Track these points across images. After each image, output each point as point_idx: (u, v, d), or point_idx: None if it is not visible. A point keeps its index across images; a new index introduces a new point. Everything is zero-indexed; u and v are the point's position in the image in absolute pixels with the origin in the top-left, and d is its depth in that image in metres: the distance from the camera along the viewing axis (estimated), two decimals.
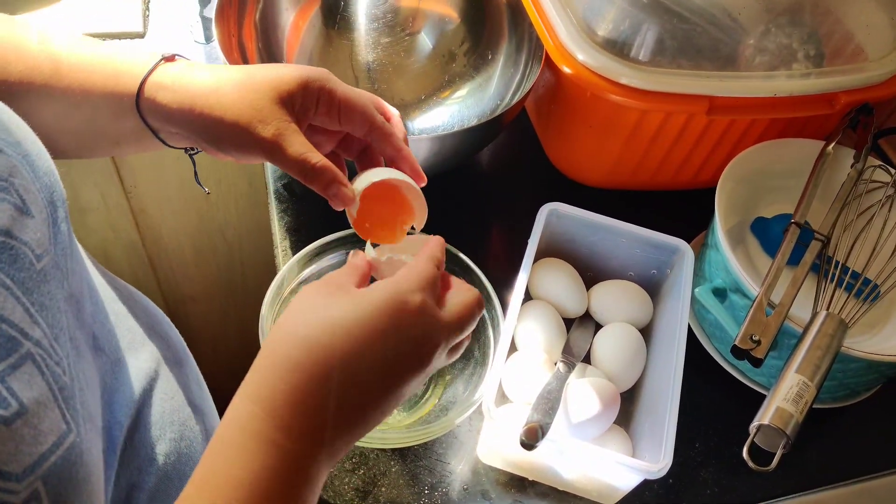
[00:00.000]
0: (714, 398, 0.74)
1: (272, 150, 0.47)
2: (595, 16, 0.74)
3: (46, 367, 0.33)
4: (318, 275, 0.70)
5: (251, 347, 0.56)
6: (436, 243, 0.46)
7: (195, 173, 0.59)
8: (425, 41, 0.90)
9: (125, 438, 0.47)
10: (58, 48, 0.49)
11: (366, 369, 0.39)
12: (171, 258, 1.24)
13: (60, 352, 0.35)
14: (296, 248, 0.79)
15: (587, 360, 0.72)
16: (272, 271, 1.33)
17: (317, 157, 0.48)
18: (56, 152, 0.43)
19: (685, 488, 0.69)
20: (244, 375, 0.40)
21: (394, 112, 0.55)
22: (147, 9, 1.01)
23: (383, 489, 0.65)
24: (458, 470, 0.67)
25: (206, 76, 0.49)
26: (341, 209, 0.50)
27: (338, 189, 0.49)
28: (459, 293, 0.45)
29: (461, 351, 0.46)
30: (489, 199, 0.88)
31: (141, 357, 0.52)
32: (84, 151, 0.54)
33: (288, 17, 0.85)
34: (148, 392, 0.51)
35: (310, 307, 0.41)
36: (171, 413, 0.52)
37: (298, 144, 0.48)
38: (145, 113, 0.49)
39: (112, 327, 0.51)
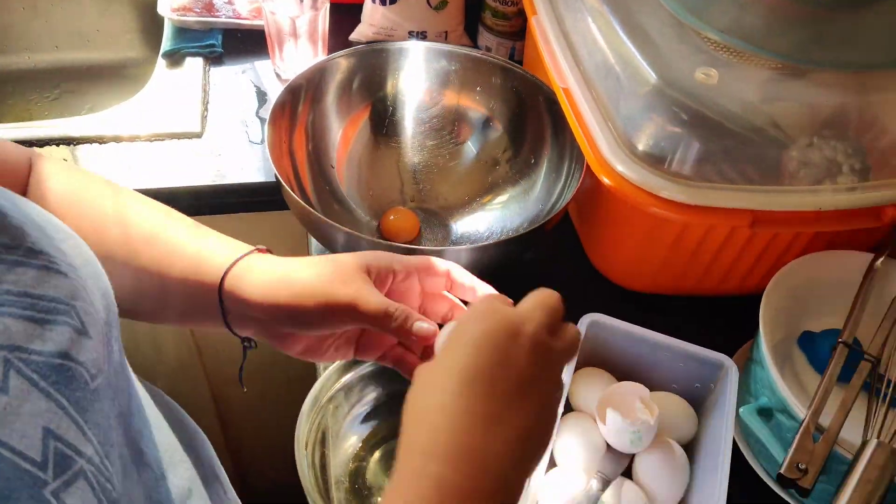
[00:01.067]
0: None
1: (352, 307, 0.51)
2: (634, 130, 0.75)
3: (98, 483, 0.34)
4: (357, 380, 0.71)
5: (271, 443, 0.58)
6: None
7: (242, 367, 0.62)
8: (469, 147, 0.92)
9: None
10: (136, 228, 0.55)
11: (494, 384, 0.41)
12: (217, 339, 1.26)
13: (111, 468, 0.36)
14: None
15: (627, 474, 0.71)
16: (294, 376, 1.34)
17: (396, 305, 0.51)
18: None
19: None
20: (282, 455, 0.41)
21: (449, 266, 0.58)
22: (206, 110, 1.06)
23: None
24: None
25: (294, 262, 0.54)
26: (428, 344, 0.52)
27: (420, 326, 0.52)
28: (569, 326, 0.47)
29: (576, 339, 0.47)
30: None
31: (178, 472, 0.53)
32: (143, 317, 0.59)
33: (339, 126, 0.88)
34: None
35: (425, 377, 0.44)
36: None
37: (376, 297, 0.51)
38: (226, 301, 0.53)
39: (156, 442, 0.52)
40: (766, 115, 0.73)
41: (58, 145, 0.99)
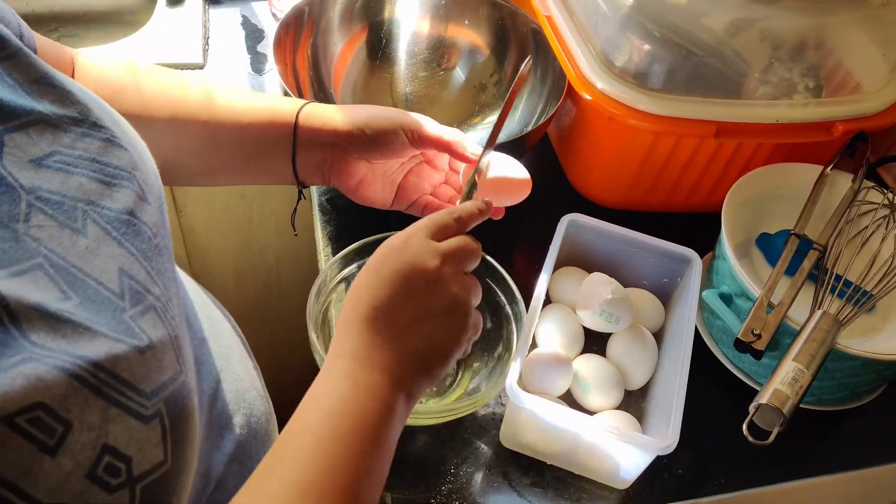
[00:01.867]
0: (720, 399, 0.80)
1: (419, 129, 0.65)
2: (612, 49, 0.82)
3: (165, 318, 0.40)
4: (357, 270, 0.78)
5: (280, 368, 0.65)
6: (468, 204, 0.58)
7: (294, 211, 0.74)
8: (458, 74, 0.99)
9: (210, 406, 0.54)
10: (214, 88, 0.67)
11: (387, 299, 0.50)
12: (214, 277, 1.32)
13: (173, 310, 0.42)
14: (336, 253, 0.86)
15: (603, 353, 0.79)
16: (307, 296, 1.40)
17: (451, 130, 0.66)
18: (176, 177, 0.65)
19: (695, 479, 0.73)
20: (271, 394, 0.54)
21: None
22: (206, 43, 1.12)
23: (408, 468, 0.70)
24: (481, 452, 0.72)
25: (347, 106, 0.69)
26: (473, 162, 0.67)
27: (465, 150, 0.67)
28: (460, 236, 0.55)
29: (478, 296, 0.55)
30: (514, 217, 0.95)
31: (215, 339, 0.59)
32: (217, 172, 0.71)
33: (336, 49, 0.95)
34: (224, 371, 0.57)
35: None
36: (242, 393, 0.59)
37: (435, 124, 0.66)
38: (300, 130, 0.66)
39: (197, 312, 0.58)
40: (731, 35, 0.81)
41: None
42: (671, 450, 0.62)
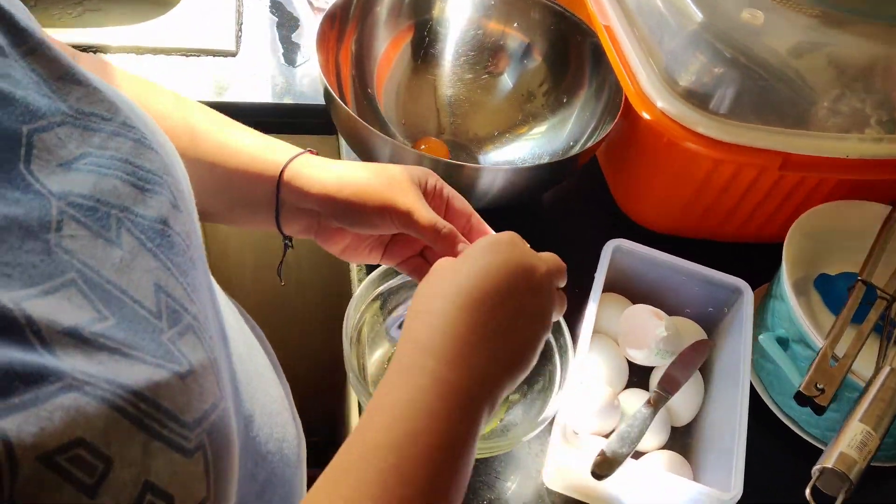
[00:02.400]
0: (767, 446, 0.75)
1: (408, 216, 0.54)
2: (678, 66, 0.77)
3: (203, 339, 0.36)
4: (399, 286, 0.73)
5: (293, 364, 0.61)
6: None
7: (281, 262, 0.66)
8: (506, 79, 0.94)
9: (244, 430, 0.50)
10: (196, 122, 0.59)
11: (489, 296, 0.46)
12: (232, 270, 1.28)
13: (211, 329, 0.38)
14: (372, 267, 0.82)
15: (645, 387, 0.75)
16: (326, 293, 1.37)
17: (444, 223, 0.55)
18: None
19: None
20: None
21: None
22: (240, 30, 1.07)
23: None
24: (516, 489, 0.68)
25: (346, 164, 0.58)
26: None
27: (463, 248, 0.56)
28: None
29: (564, 306, 0.52)
30: (554, 237, 0.91)
31: (249, 356, 0.55)
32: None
33: (381, 47, 0.90)
34: (258, 391, 0.53)
35: (430, 283, 0.49)
36: (274, 416, 0.54)
37: (429, 212, 0.55)
38: (283, 190, 0.57)
39: (229, 322, 0.54)
40: (803, 62, 0.76)
41: (95, 52, 1.00)
42: (735, 501, 0.59)
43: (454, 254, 0.55)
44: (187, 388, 0.32)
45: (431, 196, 0.58)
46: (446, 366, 0.43)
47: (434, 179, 0.58)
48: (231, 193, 0.59)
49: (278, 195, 0.57)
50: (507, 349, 0.46)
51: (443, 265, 0.49)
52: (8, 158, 0.33)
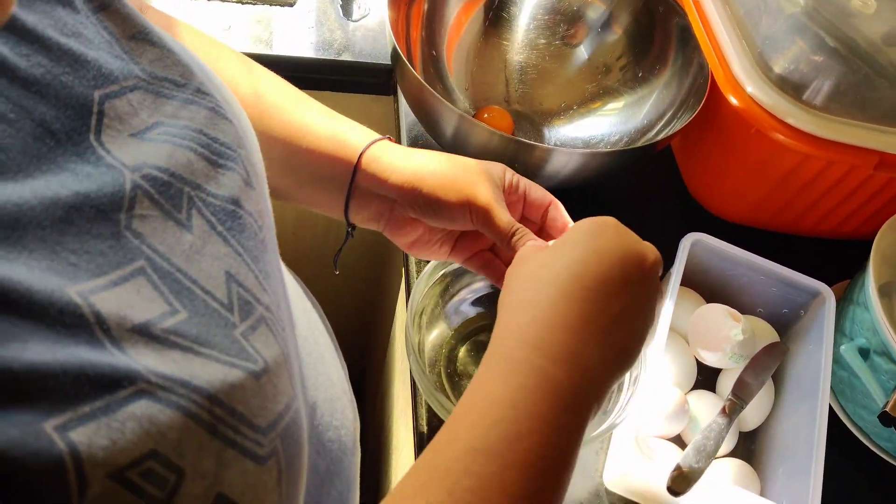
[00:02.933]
0: (833, 455, 0.72)
1: (487, 214, 0.51)
2: (773, 52, 0.72)
3: (276, 332, 0.33)
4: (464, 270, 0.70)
5: (329, 317, 0.59)
6: None
7: (339, 251, 0.63)
8: (581, 51, 0.89)
9: (308, 423, 0.47)
10: (267, 94, 0.55)
11: (600, 285, 0.42)
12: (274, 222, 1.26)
13: (284, 319, 0.35)
14: None
15: (712, 389, 0.72)
16: (364, 250, 1.34)
17: (520, 227, 0.51)
18: None
19: None
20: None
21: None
22: None
23: None
24: (573, 487, 0.66)
25: (424, 153, 0.55)
26: None
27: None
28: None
29: (665, 298, 0.51)
30: (621, 220, 0.87)
31: (313, 338, 0.53)
32: None
33: (453, 10, 0.85)
34: (320, 375, 0.51)
35: (527, 266, 0.45)
36: (334, 400, 0.52)
37: (506, 213, 0.52)
38: (359, 175, 0.54)
39: (293, 304, 0.51)
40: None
41: None
42: None
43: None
44: (262, 390, 0.30)
45: (509, 192, 0.55)
46: (553, 362, 0.39)
47: (511, 175, 0.55)
48: (301, 173, 0.56)
49: (353, 179, 0.55)
50: (617, 343, 0.42)
51: (533, 251, 0.46)
52: (77, 129, 0.30)
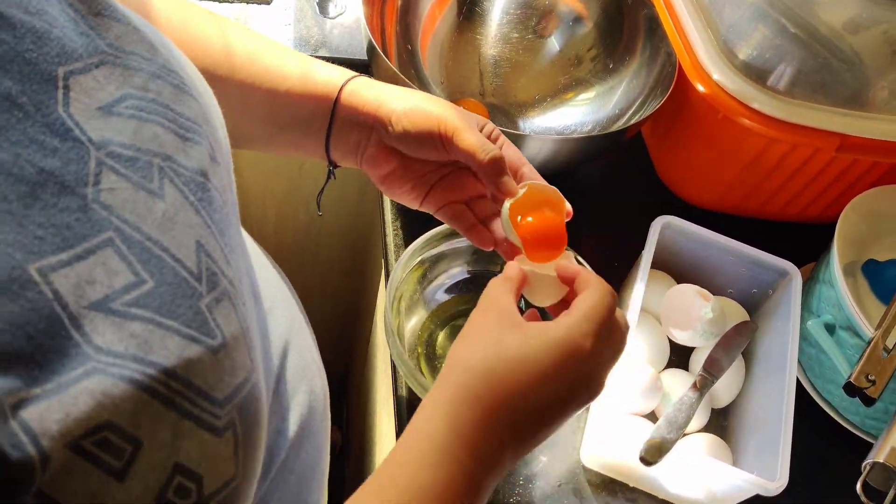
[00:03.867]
0: (802, 431, 0.75)
1: (455, 134, 0.52)
2: (737, 38, 0.74)
3: (237, 306, 0.34)
4: (450, 252, 0.72)
5: (310, 313, 0.60)
6: (597, 276, 0.49)
7: (321, 191, 0.64)
8: (553, 42, 0.91)
9: (274, 388, 0.49)
10: (240, 47, 0.57)
11: (542, 403, 0.43)
12: (254, 220, 1.27)
13: (244, 294, 0.36)
14: (406, 227, 0.80)
15: (685, 368, 0.74)
16: (346, 246, 1.35)
17: (493, 147, 0.52)
18: None
19: None
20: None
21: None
22: None
23: None
24: (552, 466, 0.68)
25: (402, 88, 0.57)
26: (504, 197, 0.54)
27: (507, 179, 0.53)
28: (622, 323, 0.48)
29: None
30: (593, 207, 0.89)
31: (280, 310, 0.54)
32: (245, 139, 0.61)
33: (427, 5, 0.87)
34: (287, 345, 0.52)
35: (486, 339, 0.45)
36: (302, 369, 0.54)
37: (479, 135, 0.53)
38: (339, 105, 0.56)
39: (259, 279, 0.52)
40: (858, 39, 0.73)
41: None
42: (780, 491, 0.59)
43: (497, 184, 0.53)
44: (219, 364, 0.31)
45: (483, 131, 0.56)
46: (480, 465, 0.42)
47: (491, 127, 0.57)
48: (282, 117, 0.58)
49: (333, 113, 0.57)
50: (537, 436, 0.44)
51: (493, 326, 0.45)
52: (45, 102, 0.30)
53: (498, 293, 0.48)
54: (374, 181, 0.60)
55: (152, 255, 0.31)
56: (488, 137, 0.56)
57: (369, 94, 0.56)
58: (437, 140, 0.53)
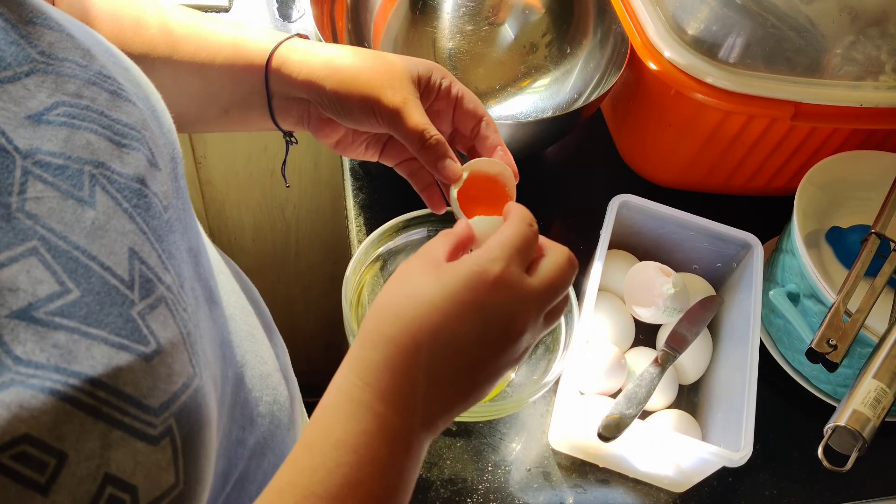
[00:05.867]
0: (775, 402, 0.75)
1: (395, 115, 0.49)
2: (685, 14, 0.74)
3: (176, 312, 0.34)
4: (403, 246, 0.72)
5: (294, 323, 0.58)
6: (521, 207, 0.45)
7: (284, 162, 0.62)
8: (507, 31, 0.91)
9: (233, 394, 0.48)
10: (175, 24, 0.53)
11: (455, 342, 0.40)
12: (231, 230, 1.27)
13: (186, 299, 0.36)
14: (369, 224, 0.80)
15: (652, 345, 0.73)
16: (326, 250, 1.35)
17: (434, 131, 0.49)
18: None
19: (744, 488, 0.69)
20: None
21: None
22: None
23: (448, 462, 0.66)
24: (521, 450, 0.68)
25: (339, 48, 0.52)
26: (448, 183, 0.51)
27: (448, 164, 0.50)
28: (551, 256, 0.44)
29: (559, 316, 0.45)
30: (557, 191, 0.89)
31: (242, 317, 0.54)
32: (186, 122, 0.57)
33: (377, 1, 0.87)
34: (248, 352, 0.52)
35: (401, 283, 0.42)
36: (266, 377, 0.53)
37: (420, 115, 0.49)
38: (271, 79, 0.52)
39: (220, 284, 0.52)
40: (815, 7, 0.73)
41: None
42: (743, 462, 0.58)
43: (438, 169, 0.50)
44: (153, 371, 0.30)
45: (435, 95, 0.52)
46: (394, 410, 0.39)
47: (439, 75, 0.52)
48: (221, 97, 0.55)
49: (268, 85, 0.53)
50: (463, 390, 0.41)
51: (412, 269, 0.42)
52: None
53: (430, 243, 0.45)
54: (326, 146, 0.57)
55: (79, 263, 0.30)
56: (437, 92, 0.52)
57: (299, 60, 0.52)
58: (372, 120, 0.50)
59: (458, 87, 0.53)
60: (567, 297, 0.45)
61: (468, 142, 0.55)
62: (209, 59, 0.53)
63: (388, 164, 0.57)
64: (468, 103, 0.53)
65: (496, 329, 0.40)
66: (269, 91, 0.53)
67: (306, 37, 0.54)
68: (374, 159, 0.57)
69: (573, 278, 0.44)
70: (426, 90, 0.52)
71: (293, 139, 0.59)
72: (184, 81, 0.54)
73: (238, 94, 0.54)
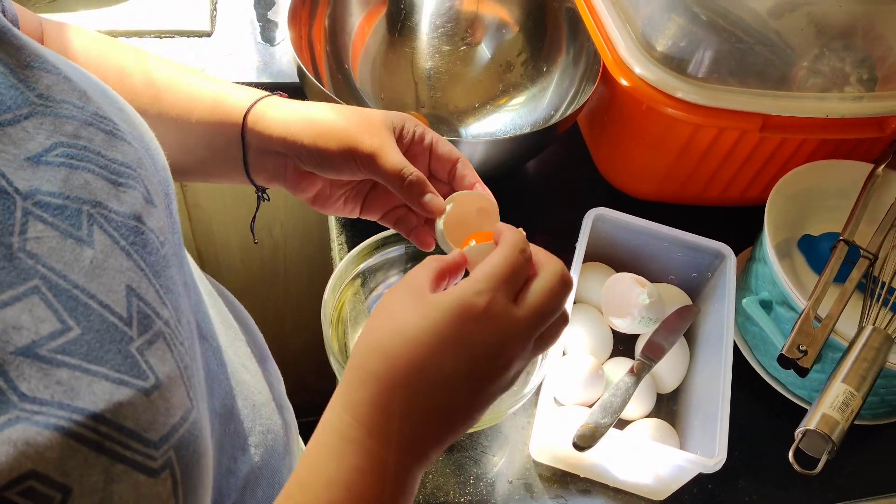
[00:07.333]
0: (754, 409, 0.76)
1: (373, 158, 0.50)
2: (654, 31, 0.76)
3: (174, 346, 0.34)
4: (381, 264, 0.73)
5: (284, 343, 0.59)
6: (513, 231, 0.45)
7: (254, 217, 0.63)
8: (483, 50, 0.93)
9: (222, 426, 0.49)
10: (158, 76, 0.55)
11: (442, 378, 0.40)
12: (219, 252, 1.28)
13: (183, 333, 0.37)
14: (350, 242, 0.81)
15: (630, 355, 0.75)
16: (314, 269, 1.37)
17: (413, 168, 0.51)
18: None
19: (724, 494, 0.70)
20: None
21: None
22: (214, 9, 1.05)
23: (429, 476, 0.67)
24: (502, 463, 0.69)
25: (317, 105, 0.54)
26: (433, 217, 0.52)
27: (430, 198, 0.51)
28: (542, 278, 0.43)
29: (556, 338, 0.44)
30: (537, 206, 0.90)
31: (233, 349, 0.54)
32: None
33: (355, 21, 0.89)
34: (240, 384, 0.52)
35: (386, 316, 0.42)
36: (258, 407, 0.54)
37: (398, 156, 0.51)
38: (248, 134, 0.53)
39: (210, 317, 0.52)
40: (783, 22, 0.75)
41: None
42: (718, 468, 0.59)
43: (421, 205, 0.51)
44: (153, 405, 0.31)
45: (410, 143, 0.54)
46: (384, 447, 0.39)
47: (413, 124, 0.54)
48: (200, 146, 0.56)
49: (244, 140, 0.54)
50: (453, 422, 0.41)
51: (396, 301, 0.42)
52: None
53: (415, 271, 0.44)
54: (303, 201, 0.58)
55: (79, 302, 0.31)
56: (412, 139, 0.54)
57: (276, 121, 0.53)
58: (352, 166, 0.51)
59: (431, 134, 0.55)
60: (564, 317, 0.45)
61: (444, 187, 0.56)
62: (188, 111, 0.54)
63: (372, 217, 0.59)
64: (442, 147, 0.55)
65: (484, 363, 0.40)
66: (245, 145, 0.54)
67: (286, 95, 0.56)
68: (355, 215, 0.59)
69: (566, 299, 0.43)
70: (400, 137, 0.53)
71: (265, 196, 0.60)
72: (163, 132, 0.55)
73: (215, 147, 0.55)
